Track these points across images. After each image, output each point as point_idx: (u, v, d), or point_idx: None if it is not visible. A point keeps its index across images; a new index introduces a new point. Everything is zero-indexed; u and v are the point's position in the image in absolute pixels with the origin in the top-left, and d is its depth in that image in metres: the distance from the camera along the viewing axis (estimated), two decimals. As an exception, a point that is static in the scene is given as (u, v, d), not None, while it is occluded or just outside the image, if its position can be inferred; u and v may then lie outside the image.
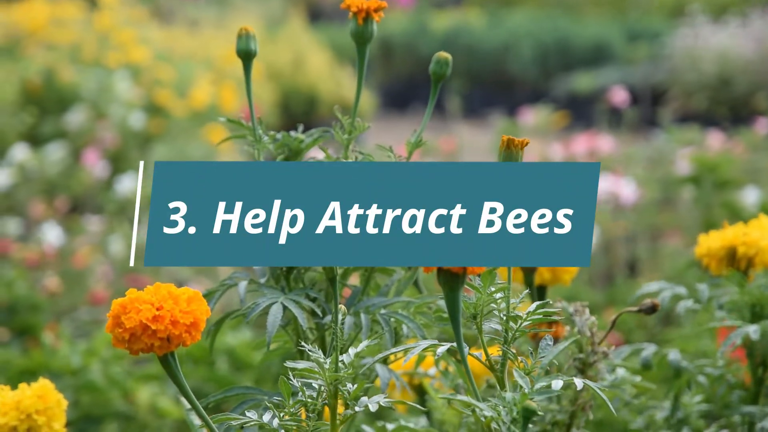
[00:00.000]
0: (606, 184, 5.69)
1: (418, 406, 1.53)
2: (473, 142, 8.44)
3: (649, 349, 2.11)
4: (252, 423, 1.52)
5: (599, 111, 7.28)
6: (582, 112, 9.76)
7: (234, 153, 6.90)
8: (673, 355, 2.05)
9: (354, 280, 1.87)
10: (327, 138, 1.84)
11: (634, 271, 5.48)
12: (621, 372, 1.98)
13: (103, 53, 7.88)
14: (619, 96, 6.97)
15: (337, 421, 1.50)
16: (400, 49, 13.09)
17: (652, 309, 1.88)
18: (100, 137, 6.72)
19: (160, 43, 8.65)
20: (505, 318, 1.52)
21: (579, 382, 1.49)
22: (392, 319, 1.73)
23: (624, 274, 5.42)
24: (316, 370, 1.48)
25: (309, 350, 1.49)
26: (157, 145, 6.85)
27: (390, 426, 1.86)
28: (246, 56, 1.81)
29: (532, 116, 7.30)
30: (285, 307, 1.69)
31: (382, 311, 1.74)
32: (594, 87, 10.73)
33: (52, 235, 5.50)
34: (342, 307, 1.53)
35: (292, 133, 1.83)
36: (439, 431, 1.95)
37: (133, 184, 5.87)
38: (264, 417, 1.53)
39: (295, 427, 1.50)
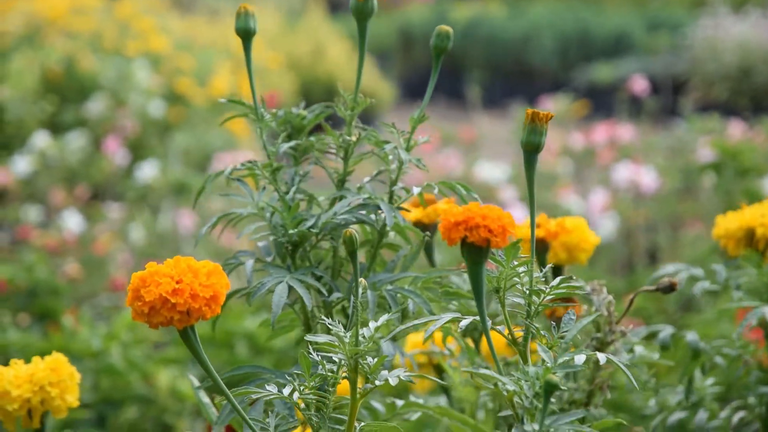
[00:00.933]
0: (626, 173, 5.66)
1: (437, 380, 1.52)
2: (493, 132, 8.43)
3: (666, 331, 2.10)
4: (272, 396, 1.51)
5: (619, 100, 7.26)
6: (602, 102, 9.74)
7: (254, 140, 6.90)
8: (691, 336, 2.04)
9: (359, 257, 1.86)
10: (328, 113, 1.83)
11: (655, 260, 5.46)
12: (639, 350, 1.97)
13: (123, 42, 7.90)
14: (640, 85, 6.95)
15: (357, 395, 1.49)
16: (419, 40, 13.09)
17: (670, 288, 1.86)
18: (120, 125, 6.73)
19: (179, 32, 8.67)
20: (528, 292, 1.51)
21: (602, 357, 1.49)
22: (398, 295, 1.72)
23: (644, 263, 5.41)
24: (335, 344, 1.47)
25: (329, 324, 1.48)
26: (176, 134, 6.86)
27: (399, 402, 1.86)
28: (245, 35, 1.81)
29: (552, 105, 7.28)
30: (290, 287, 1.68)
31: (389, 287, 1.73)
32: (614, 77, 10.70)
33: (72, 222, 5.52)
34: (363, 281, 1.52)
35: (294, 109, 1.82)
36: (456, 409, 1.94)
37: (154, 171, 5.88)
38: (284, 390, 1.52)
39: (314, 401, 1.49)
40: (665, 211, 5.79)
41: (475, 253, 1.47)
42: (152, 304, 1.45)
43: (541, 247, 1.95)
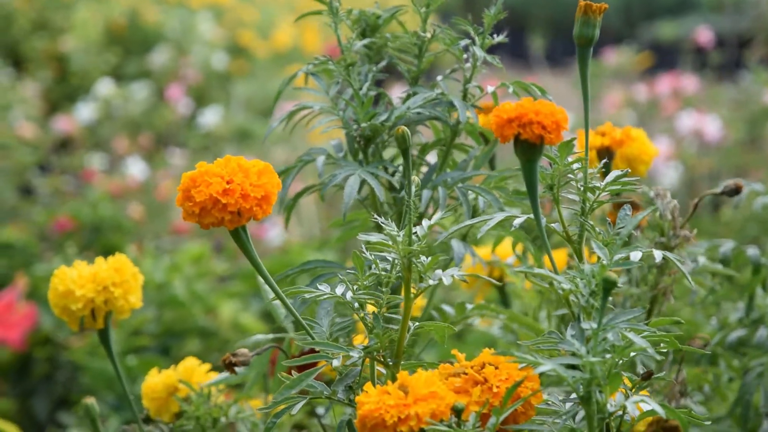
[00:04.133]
0: (690, 122, 5.61)
1: (494, 281, 1.52)
2: (554, 88, 8.34)
3: (727, 245, 2.08)
4: (325, 296, 1.51)
5: (684, 52, 7.17)
6: (666, 59, 9.61)
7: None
8: (752, 250, 2.03)
9: (431, 157, 1.87)
10: (404, 11, 1.83)
11: (717, 210, 5.41)
12: (702, 260, 1.97)
13: (187, -7, 7.94)
14: (705, 36, 6.86)
15: (411, 294, 1.49)
16: (481, -1, 13.00)
17: (736, 190, 1.86)
18: (183, 74, 6.77)
19: (243, -16, 8.68)
20: (582, 189, 1.51)
21: (658, 254, 1.48)
22: (470, 193, 1.73)
23: (707, 212, 5.36)
24: (388, 243, 1.47)
25: (382, 223, 1.48)
26: (238, 83, 6.89)
27: (469, 306, 1.87)
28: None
29: (615, 57, 7.22)
30: (362, 180, 1.69)
31: (460, 185, 1.74)
32: (678, 35, 10.57)
33: (135, 169, 5.57)
34: (415, 179, 1.52)
35: (369, 9, 1.83)
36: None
37: (216, 118, 5.91)
38: (337, 290, 1.52)
39: (367, 300, 1.50)
40: (729, 162, 5.73)
41: (528, 150, 1.47)
42: (203, 205, 1.45)
43: (605, 156, 1.94)
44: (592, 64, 7.31)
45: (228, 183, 1.45)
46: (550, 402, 1.47)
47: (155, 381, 2.06)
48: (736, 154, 5.76)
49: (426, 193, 1.75)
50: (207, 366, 2.07)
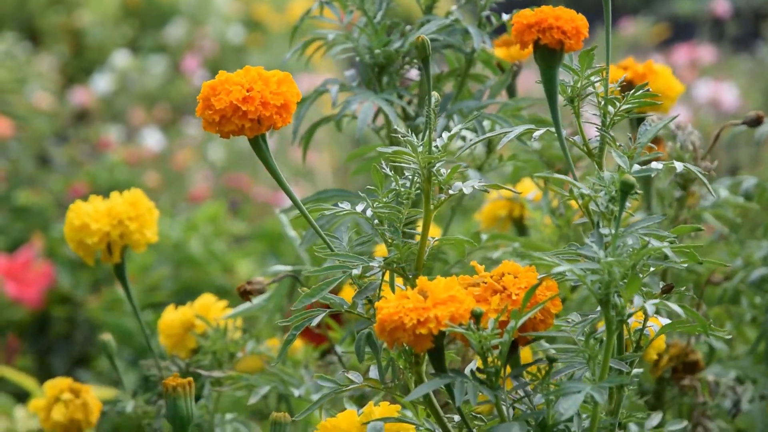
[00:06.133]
0: (707, 91, 5.58)
1: (512, 189, 1.50)
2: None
3: (750, 180, 2.07)
4: (345, 213, 1.51)
5: (701, 23, 7.14)
6: (682, 31, 9.55)
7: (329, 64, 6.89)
8: (776, 187, 2.02)
9: (447, 88, 1.86)
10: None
11: (735, 173, 5.39)
12: (724, 193, 1.95)
13: (202, -33, 7.92)
14: (722, 6, 6.82)
15: (431, 206, 1.48)
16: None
17: (757, 120, 1.84)
18: (199, 46, 6.76)
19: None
20: (603, 102, 1.49)
21: (679, 165, 1.47)
22: (485, 120, 1.72)
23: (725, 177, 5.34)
24: (408, 151, 1.46)
25: (402, 134, 1.47)
26: (254, 56, 6.88)
27: (484, 235, 1.86)
28: None
29: (632, 27, 7.18)
30: (377, 108, 1.69)
31: (475, 113, 1.73)
32: (695, 9, 10.52)
33: (152, 139, 5.57)
34: (435, 94, 1.51)
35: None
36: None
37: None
38: (357, 207, 1.52)
39: (388, 214, 1.49)
40: (747, 133, 5.70)
41: (548, 56, 1.46)
42: (223, 113, 1.45)
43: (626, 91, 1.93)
44: (609, 36, 7.27)
45: (248, 91, 1.45)
46: (569, 320, 1.46)
47: (172, 317, 2.06)
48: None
49: (441, 122, 1.75)
50: (224, 303, 2.07)
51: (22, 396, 3.02)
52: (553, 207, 1.97)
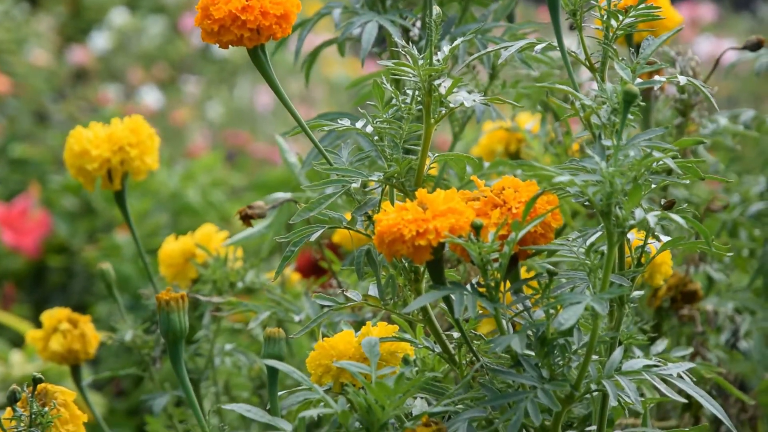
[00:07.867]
0: (708, 47, 5.56)
1: (510, 101, 1.48)
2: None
3: (748, 113, 2.06)
4: (343, 128, 1.49)
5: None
6: (683, -5, 9.54)
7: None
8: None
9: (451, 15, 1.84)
10: None
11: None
12: (723, 121, 1.94)
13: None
14: (724, -36, 6.80)
15: (432, 120, 1.46)
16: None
17: (758, 44, 1.83)
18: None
19: None
20: (606, 15, 1.47)
21: (682, 78, 1.45)
22: (489, 43, 1.70)
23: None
24: (409, 64, 1.44)
25: (402, 46, 1.45)
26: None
27: (486, 163, 1.85)
28: None
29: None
30: (380, 27, 1.67)
31: (479, 36, 1.71)
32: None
33: (150, 97, 5.55)
34: (437, 8, 1.49)
35: None
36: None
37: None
38: (357, 123, 1.50)
39: (388, 129, 1.47)
40: (746, 88, 5.69)
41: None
42: (222, 22, 1.44)
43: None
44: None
45: (247, 0, 1.43)
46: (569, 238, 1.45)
47: (172, 247, 2.04)
48: (753, 82, 5.71)
49: (445, 46, 1.72)
50: (225, 233, 2.06)
51: (18, 344, 3.02)
52: (551, 138, 1.96)
